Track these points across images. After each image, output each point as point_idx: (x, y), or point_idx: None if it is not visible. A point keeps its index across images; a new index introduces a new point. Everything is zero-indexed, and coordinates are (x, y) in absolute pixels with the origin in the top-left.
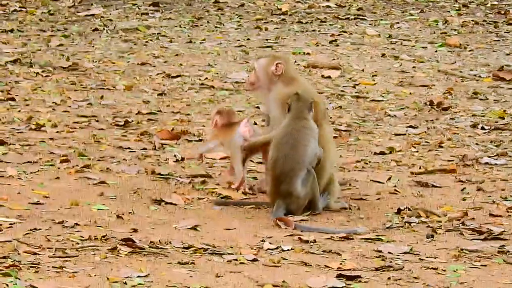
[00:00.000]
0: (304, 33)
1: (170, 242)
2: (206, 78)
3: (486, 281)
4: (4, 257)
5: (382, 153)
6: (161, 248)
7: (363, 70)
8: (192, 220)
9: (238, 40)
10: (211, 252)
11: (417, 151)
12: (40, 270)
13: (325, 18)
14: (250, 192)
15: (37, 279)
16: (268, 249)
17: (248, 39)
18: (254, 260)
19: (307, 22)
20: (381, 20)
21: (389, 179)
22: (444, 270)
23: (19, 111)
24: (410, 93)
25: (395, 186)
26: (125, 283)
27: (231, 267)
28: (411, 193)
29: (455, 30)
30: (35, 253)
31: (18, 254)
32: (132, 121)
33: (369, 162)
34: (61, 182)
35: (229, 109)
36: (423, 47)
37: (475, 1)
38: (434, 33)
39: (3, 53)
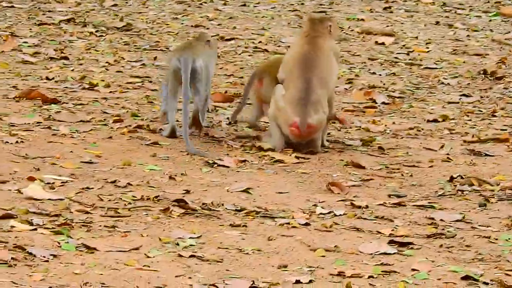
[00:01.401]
0: None
1: (222, 204)
2: (260, 42)
3: None
4: (56, 215)
5: (435, 120)
6: (213, 210)
7: (416, 38)
8: (244, 183)
9: (292, 4)
10: (263, 215)
11: (470, 120)
12: (92, 229)
13: None
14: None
15: (89, 238)
16: (320, 213)
17: (302, 3)
18: (306, 224)
19: None
20: None
21: (442, 147)
22: (496, 239)
23: (72, 70)
24: (464, 62)
25: (447, 154)
26: (177, 244)
27: (283, 230)
28: (464, 161)
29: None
30: (87, 212)
31: (70, 212)
32: None
33: (422, 129)
34: (114, 142)
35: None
36: (477, 16)
37: None
38: (488, 2)
39: (57, 12)
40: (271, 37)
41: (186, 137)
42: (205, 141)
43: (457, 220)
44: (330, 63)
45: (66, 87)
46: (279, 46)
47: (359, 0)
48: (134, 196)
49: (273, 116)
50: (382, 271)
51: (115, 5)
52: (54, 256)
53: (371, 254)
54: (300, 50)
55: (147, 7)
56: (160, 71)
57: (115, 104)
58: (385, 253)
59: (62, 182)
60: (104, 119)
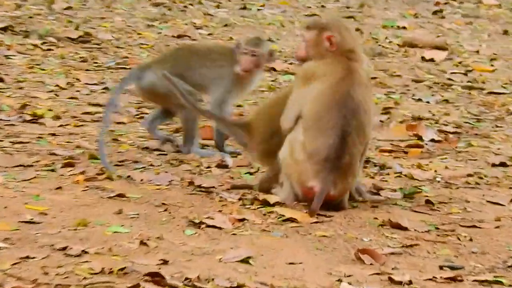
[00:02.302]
0: None
1: (213, 280)
2: None
3: None
4: None
5: (502, 164)
6: (200, 287)
7: (477, 52)
8: (243, 250)
9: (309, 7)
10: None
11: None
12: None
13: None
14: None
15: None
16: None
17: (323, 6)
18: None
19: None
20: None
21: None
22: None
23: (9, 96)
24: None
25: None
26: None
27: None
28: None
29: None
30: None
31: None
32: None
33: (485, 176)
34: (64, 194)
35: None
36: None
37: None
38: None
39: None
40: (280, 51)
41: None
42: (189, 192)
43: None
44: (369, 100)
45: (0, 119)
46: (291, 63)
47: (399, 1)
48: (91, 269)
49: (285, 165)
50: None
51: (69, 8)
52: None
53: None
54: (337, 82)
55: (111, 11)
56: (129, 96)
57: (67, 142)
58: None
59: None
60: (52, 163)
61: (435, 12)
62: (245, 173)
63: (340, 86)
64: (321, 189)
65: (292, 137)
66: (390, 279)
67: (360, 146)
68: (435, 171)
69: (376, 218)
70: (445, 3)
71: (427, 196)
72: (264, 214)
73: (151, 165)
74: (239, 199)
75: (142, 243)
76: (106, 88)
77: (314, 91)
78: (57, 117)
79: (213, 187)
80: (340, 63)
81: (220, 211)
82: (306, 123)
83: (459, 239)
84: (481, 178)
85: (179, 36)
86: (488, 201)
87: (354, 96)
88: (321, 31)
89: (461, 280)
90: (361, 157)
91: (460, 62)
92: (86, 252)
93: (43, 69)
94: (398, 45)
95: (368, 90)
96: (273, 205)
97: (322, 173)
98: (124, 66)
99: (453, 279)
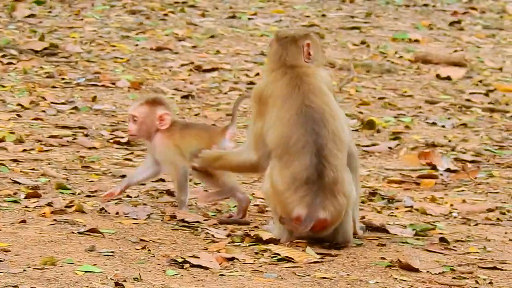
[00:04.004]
0: (411, 8)
1: None
2: (258, 74)
3: None
4: None
5: None
6: None
7: (500, 69)
8: None
9: (308, 16)
10: None
11: None
12: None
13: None
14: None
15: None
16: None
17: (324, 15)
18: None
19: None
20: None
21: None
22: None
23: None
24: None
25: None
26: None
27: None
28: None
29: None
30: None
31: None
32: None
33: (508, 211)
34: (29, 228)
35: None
36: None
37: None
38: None
39: None
40: None
41: None
42: (171, 227)
43: None
44: (334, 106)
45: None
46: None
47: (412, 10)
48: None
49: (269, 199)
50: None
51: (32, 16)
52: None
53: None
54: (287, 98)
55: (81, 19)
56: (101, 117)
57: (31, 170)
58: None
59: None
60: (14, 193)
61: (452, 23)
62: (234, 207)
63: (293, 100)
64: (307, 214)
65: (269, 170)
66: None
67: (340, 155)
68: (451, 205)
69: (383, 258)
70: (464, 13)
71: (441, 233)
72: (257, 253)
73: (128, 196)
74: (228, 236)
75: (117, 284)
76: (75, 108)
77: (268, 117)
78: (19, 141)
79: (198, 221)
80: (283, 76)
81: (206, 249)
82: (276, 151)
83: (477, 282)
84: (503, 213)
85: (158, 49)
86: (510, 240)
87: (313, 106)
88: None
89: None
90: (351, 169)
91: (480, 81)
92: None
93: (3, 86)
94: (409, 60)
95: (328, 96)
96: (267, 242)
97: (306, 197)
98: (95, 83)
99: None
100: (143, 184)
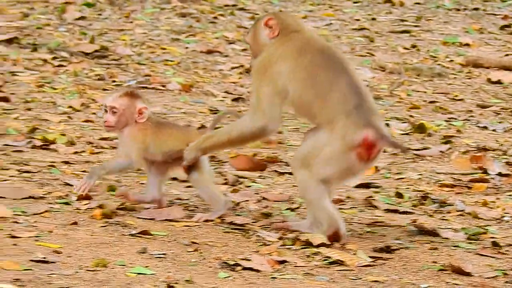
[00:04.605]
0: (461, 12)
1: None
2: None
3: None
4: None
5: None
6: None
7: None
8: None
9: (358, 19)
10: None
11: None
12: None
13: None
14: None
15: None
16: None
17: (373, 18)
18: None
19: None
20: None
21: None
22: None
23: (16, 118)
24: None
25: None
26: None
27: None
28: None
29: None
30: None
31: None
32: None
33: None
34: (81, 230)
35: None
36: None
37: None
38: None
39: None
40: None
41: None
42: (222, 229)
43: None
44: None
45: (6, 145)
46: None
47: (462, 14)
48: None
49: (306, 160)
50: None
51: (82, 18)
52: None
53: None
54: (301, 49)
55: (131, 22)
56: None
57: (83, 172)
58: None
59: None
60: (66, 195)
61: (502, 27)
62: (286, 209)
63: (310, 47)
64: (374, 132)
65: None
66: None
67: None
68: (503, 209)
69: (435, 262)
70: None
71: (493, 237)
72: (308, 256)
73: (179, 199)
74: (279, 239)
75: (169, 286)
76: None
77: (283, 74)
78: (70, 143)
79: (247, 223)
80: (291, 39)
81: (257, 251)
82: (304, 98)
83: None
84: None
85: (208, 52)
86: None
87: (331, 47)
88: (258, 20)
89: None
90: None
91: None
92: None
93: (54, 88)
94: (460, 64)
95: None
96: (318, 246)
97: (362, 120)
98: (146, 85)
99: None
100: (192, 187)
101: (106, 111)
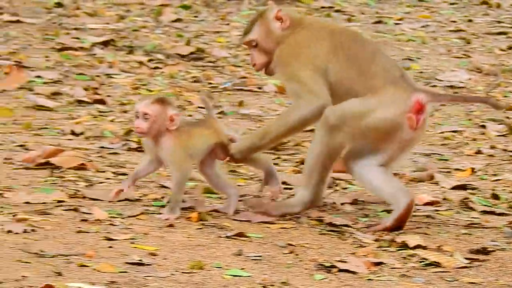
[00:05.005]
0: None
1: None
2: None
3: None
4: None
5: None
6: None
7: None
8: None
9: (454, 21)
10: None
11: None
12: None
13: None
14: None
15: None
16: None
17: (470, 20)
18: None
19: None
20: None
21: None
22: None
23: (112, 120)
24: None
25: None
26: None
27: None
28: None
29: None
30: None
31: None
32: (288, 141)
33: None
34: (177, 233)
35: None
36: None
37: None
38: None
39: (88, 31)
40: (422, 72)
41: None
42: (318, 231)
43: None
44: None
45: (102, 147)
46: (433, 85)
47: None
48: None
49: (343, 122)
50: None
51: (178, 20)
52: None
53: None
54: (330, 31)
55: (227, 24)
56: (248, 122)
57: None
58: None
59: None
60: (162, 197)
61: None
62: (381, 211)
63: (333, 28)
64: (425, 95)
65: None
66: None
67: None
68: None
69: None
70: None
71: None
72: (404, 258)
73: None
74: (376, 240)
75: None
76: (221, 112)
77: (320, 52)
78: None
79: (346, 225)
80: (311, 25)
81: (353, 253)
82: (348, 73)
83: None
84: None
85: None
86: None
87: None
88: (263, 16)
89: None
90: None
91: None
92: None
93: (150, 90)
94: None
95: None
96: (414, 248)
97: (410, 87)
98: (242, 87)
99: None
100: (289, 188)
101: (137, 116)
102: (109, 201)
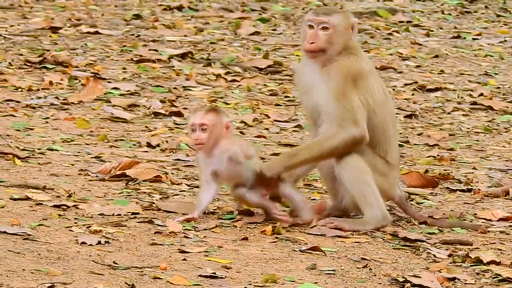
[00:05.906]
0: None
1: None
2: (482, 95)
3: None
4: None
5: None
6: None
7: None
8: None
9: None
10: None
11: None
12: None
13: None
14: None
15: None
16: None
17: None
18: None
19: None
20: None
21: None
22: None
23: (188, 133)
24: None
25: None
26: None
27: None
28: None
29: None
30: None
31: None
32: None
33: None
34: (251, 246)
35: None
36: None
37: None
38: None
39: (166, 43)
40: (499, 87)
41: None
42: (392, 246)
43: None
44: None
45: (178, 160)
46: (510, 101)
47: None
48: None
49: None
50: None
51: (256, 33)
52: None
53: None
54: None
55: None
56: None
57: None
58: None
59: None
60: (236, 211)
61: None
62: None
63: (383, 83)
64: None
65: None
66: None
67: None
68: None
69: None
70: None
71: None
72: (478, 273)
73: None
74: (449, 256)
75: None
76: (298, 126)
77: (370, 89)
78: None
79: (420, 240)
80: (362, 55)
81: (427, 268)
82: (380, 119)
83: None
84: None
85: (382, 68)
86: None
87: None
88: (348, 16)
89: None
90: None
91: None
92: None
93: (227, 103)
94: None
95: None
96: (487, 263)
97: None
98: None
99: None
100: None
101: (193, 130)
102: (184, 214)
